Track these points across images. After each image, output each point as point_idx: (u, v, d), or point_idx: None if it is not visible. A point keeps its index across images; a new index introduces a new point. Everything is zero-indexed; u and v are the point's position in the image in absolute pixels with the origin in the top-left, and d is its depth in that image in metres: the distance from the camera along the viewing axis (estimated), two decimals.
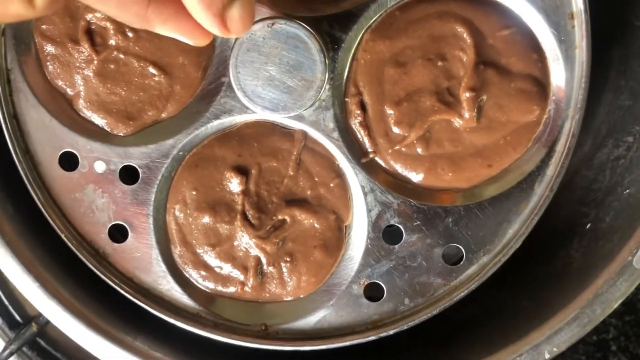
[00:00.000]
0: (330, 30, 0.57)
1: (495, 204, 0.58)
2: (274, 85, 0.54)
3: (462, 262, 0.58)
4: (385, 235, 0.59)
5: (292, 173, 0.60)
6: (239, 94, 0.54)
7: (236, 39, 0.54)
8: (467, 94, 0.56)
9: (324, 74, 0.54)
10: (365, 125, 0.58)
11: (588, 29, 0.55)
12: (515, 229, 0.58)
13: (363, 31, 0.58)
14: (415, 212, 0.58)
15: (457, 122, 0.57)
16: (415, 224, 0.58)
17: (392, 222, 0.59)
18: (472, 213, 0.58)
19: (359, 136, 0.59)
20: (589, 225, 0.62)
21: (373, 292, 0.59)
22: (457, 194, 0.59)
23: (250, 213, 0.60)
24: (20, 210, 0.61)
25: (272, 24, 0.53)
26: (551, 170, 0.57)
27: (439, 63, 0.57)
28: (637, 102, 0.63)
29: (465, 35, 0.56)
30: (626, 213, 0.59)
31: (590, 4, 0.55)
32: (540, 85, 0.57)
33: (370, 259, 0.59)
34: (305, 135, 0.59)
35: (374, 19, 0.57)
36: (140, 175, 0.60)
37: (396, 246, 0.59)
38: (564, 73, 0.56)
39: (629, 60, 0.64)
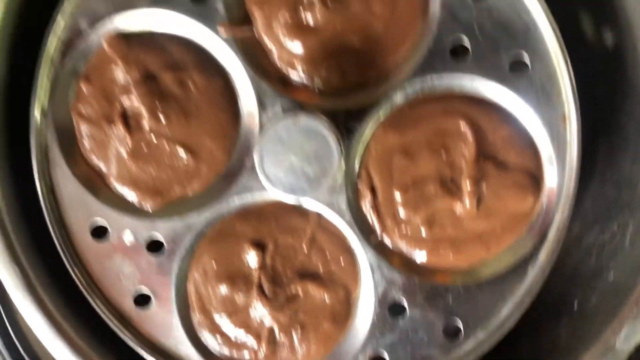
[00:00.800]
0: (346, 123, 0.62)
1: (492, 285, 0.63)
2: (295, 171, 0.59)
3: (460, 338, 0.63)
4: (391, 309, 0.63)
5: (306, 249, 0.65)
6: (262, 178, 0.59)
7: (262, 129, 0.59)
8: (469, 184, 0.62)
9: (340, 163, 0.59)
10: (375, 207, 0.64)
11: (579, 130, 0.61)
12: (510, 308, 0.63)
13: (375, 124, 0.63)
14: (418, 289, 0.63)
15: (459, 208, 0.63)
16: (418, 300, 0.63)
17: (397, 298, 0.63)
18: (470, 292, 0.63)
19: (369, 217, 0.64)
20: (576, 305, 0.68)
21: None
22: (457, 274, 0.64)
23: (265, 285, 0.64)
24: (52, 275, 0.65)
25: (296, 118, 0.58)
26: (543, 255, 0.63)
27: (443, 155, 0.63)
28: (621, 194, 0.69)
29: (467, 131, 0.62)
30: (611, 297, 0.64)
31: (580, 105, 0.61)
32: (534, 178, 0.63)
33: (376, 331, 0.64)
34: (319, 215, 0.64)
35: (385, 113, 0.63)
36: (165, 246, 0.64)
37: (400, 320, 0.63)
38: (556, 169, 0.62)
39: (614, 154, 0.70)
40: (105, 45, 0.62)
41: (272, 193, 0.60)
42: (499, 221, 0.63)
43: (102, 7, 0.62)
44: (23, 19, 0.63)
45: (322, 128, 0.58)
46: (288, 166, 0.59)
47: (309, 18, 0.61)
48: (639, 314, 0.60)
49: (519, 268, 0.63)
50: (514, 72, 0.61)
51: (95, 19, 0.62)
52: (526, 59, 0.61)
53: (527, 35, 0.61)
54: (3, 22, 0.62)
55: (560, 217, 0.62)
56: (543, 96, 0.61)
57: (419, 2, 0.61)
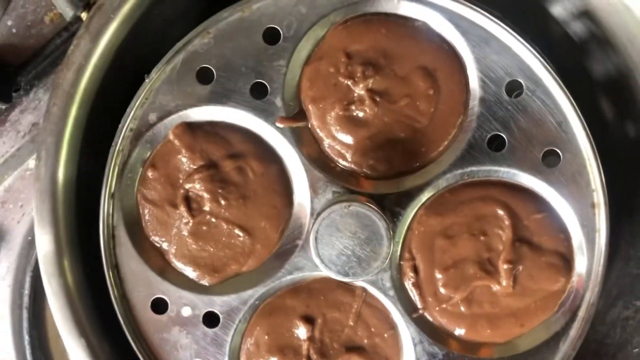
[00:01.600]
0: (392, 207, 0.68)
1: (526, 358, 0.68)
2: (347, 255, 0.64)
3: None
4: None
5: (352, 323, 0.69)
6: (316, 260, 0.64)
7: (318, 215, 0.64)
8: (505, 266, 0.67)
9: (389, 248, 0.64)
10: (417, 285, 0.69)
11: (607, 217, 0.66)
12: None
13: (418, 208, 0.68)
14: None
15: (496, 287, 0.68)
16: None
17: None
18: None
19: (412, 295, 0.69)
20: None
21: None
22: (493, 348, 0.69)
23: (314, 357, 0.69)
24: (115, 347, 0.70)
25: (349, 206, 0.63)
26: (574, 332, 0.68)
27: (482, 238, 0.68)
28: None
29: (504, 217, 0.67)
30: None
31: (608, 193, 0.67)
32: (566, 260, 0.68)
33: None
34: (365, 291, 0.69)
35: (428, 198, 0.68)
36: (221, 320, 0.69)
37: None
38: (586, 251, 0.67)
39: (636, 235, 0.75)
40: (171, 136, 0.68)
41: (325, 273, 0.65)
42: (533, 299, 0.68)
43: (170, 103, 0.67)
44: (97, 110, 0.68)
45: (374, 216, 0.63)
46: (341, 250, 0.64)
47: (359, 113, 0.67)
48: None
49: (552, 343, 0.68)
50: (546, 164, 0.66)
51: (164, 114, 0.67)
52: (558, 152, 0.66)
53: (558, 131, 0.66)
54: (79, 112, 0.67)
55: (589, 296, 0.67)
56: (574, 186, 0.66)
57: (459, 99, 0.67)
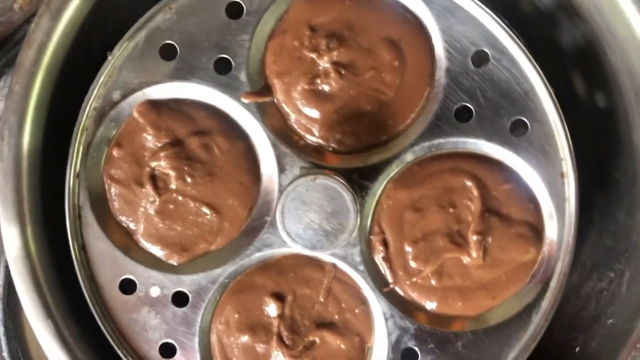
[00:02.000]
0: (360, 181, 0.67)
1: (499, 331, 0.67)
2: (314, 228, 0.64)
3: None
4: (404, 356, 0.67)
5: (322, 300, 0.69)
6: (283, 235, 0.64)
7: (284, 189, 0.64)
8: (475, 237, 0.67)
9: (356, 220, 0.64)
10: (387, 259, 0.68)
11: (576, 185, 0.66)
12: (516, 353, 0.67)
13: (386, 181, 0.68)
14: (429, 336, 0.67)
15: (466, 259, 0.67)
16: (429, 346, 0.67)
17: (409, 345, 0.67)
18: (479, 338, 0.67)
19: (382, 269, 0.68)
20: (577, 349, 0.72)
21: None
22: (465, 321, 0.68)
23: (285, 334, 0.68)
24: (83, 329, 0.69)
25: (315, 179, 0.63)
26: (546, 303, 0.67)
27: (451, 210, 0.67)
28: (617, 243, 0.73)
29: (473, 188, 0.67)
30: (610, 340, 0.68)
31: (577, 162, 0.66)
32: (536, 230, 0.67)
33: None
34: (335, 267, 0.68)
35: (396, 171, 0.68)
36: (190, 299, 0.68)
37: None
38: (556, 221, 0.67)
39: (610, 207, 0.74)
40: (135, 114, 0.67)
41: (292, 248, 0.65)
42: (504, 271, 0.67)
43: (134, 80, 0.66)
44: (61, 88, 0.68)
45: (340, 188, 0.63)
46: (307, 223, 0.63)
47: (324, 86, 0.66)
48: (637, 356, 0.64)
49: (524, 315, 0.67)
50: (514, 134, 0.66)
51: (128, 91, 0.67)
52: (526, 121, 0.66)
53: (525, 100, 0.66)
54: (42, 91, 0.67)
55: (561, 267, 0.67)
56: (542, 155, 0.66)
57: (425, 70, 0.67)
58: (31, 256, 0.67)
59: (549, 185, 0.66)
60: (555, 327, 0.72)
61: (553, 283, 0.67)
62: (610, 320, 0.69)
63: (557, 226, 0.67)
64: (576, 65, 0.76)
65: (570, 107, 0.67)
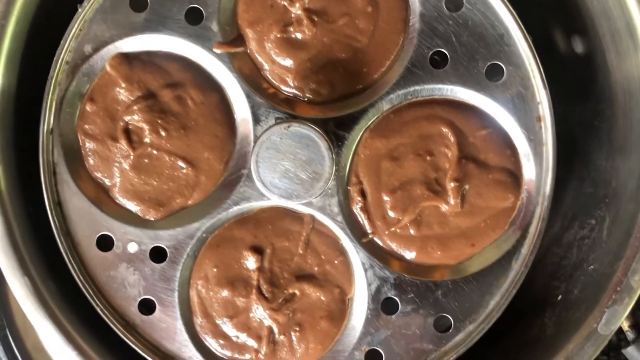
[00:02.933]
0: (336, 130, 0.66)
1: (479, 279, 0.67)
2: (289, 177, 0.63)
3: (451, 330, 0.67)
4: (384, 306, 0.67)
5: (301, 252, 0.68)
6: (258, 184, 0.63)
7: (257, 138, 0.63)
8: (452, 184, 0.66)
9: (331, 168, 0.63)
10: (365, 210, 0.68)
11: (553, 129, 0.65)
12: (497, 300, 0.67)
13: (363, 131, 0.67)
14: (409, 286, 0.67)
15: (444, 207, 0.67)
16: (409, 296, 0.67)
17: (389, 295, 0.67)
18: (458, 286, 0.67)
19: (360, 219, 0.68)
20: (560, 297, 0.71)
21: (373, 358, 0.67)
22: (445, 270, 0.68)
23: (264, 287, 0.68)
24: (61, 286, 0.69)
25: (288, 127, 0.62)
26: (525, 249, 0.67)
27: (428, 158, 0.67)
28: (597, 190, 0.73)
29: (449, 134, 0.66)
30: (591, 286, 0.68)
31: (554, 108, 0.65)
32: (514, 176, 0.67)
33: (370, 327, 0.67)
34: (313, 218, 0.68)
35: (372, 120, 0.67)
36: (168, 254, 0.68)
37: (393, 316, 0.67)
38: (534, 167, 0.66)
39: (590, 154, 0.74)
40: (108, 68, 0.66)
41: (268, 198, 0.64)
42: (483, 218, 0.67)
43: (105, 33, 0.66)
44: (31, 43, 0.67)
45: (314, 135, 0.62)
46: (283, 172, 0.63)
47: (297, 35, 0.66)
48: (618, 299, 0.64)
49: (504, 262, 0.67)
50: (490, 79, 0.65)
51: (99, 45, 0.66)
52: (501, 66, 0.65)
53: (501, 44, 0.65)
54: (12, 45, 0.66)
55: (540, 212, 0.66)
56: (518, 99, 0.65)
57: (399, 15, 0.66)
58: (7, 214, 0.67)
59: (526, 130, 0.66)
60: (538, 277, 0.72)
61: (532, 229, 0.67)
62: (592, 267, 0.69)
63: (535, 171, 0.66)
64: (553, 11, 0.75)
65: (548, 53, 0.67)
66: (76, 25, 0.66)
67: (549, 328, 0.70)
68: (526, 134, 0.66)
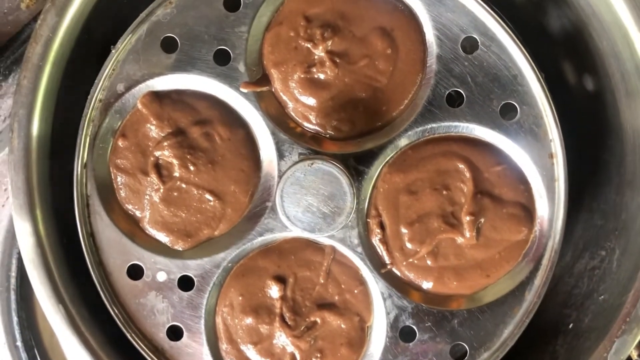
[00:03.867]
0: (356, 165, 0.69)
1: (493, 308, 0.69)
2: (312, 211, 0.66)
3: (466, 358, 0.69)
4: (402, 334, 0.70)
5: (322, 281, 0.71)
6: (283, 218, 0.66)
7: (282, 174, 0.66)
8: (468, 218, 0.69)
9: (353, 203, 0.66)
10: (384, 241, 0.70)
11: (565, 165, 0.68)
12: (510, 329, 0.70)
13: (382, 166, 0.70)
14: (426, 315, 0.70)
15: (460, 240, 0.69)
16: (426, 324, 0.70)
17: (407, 323, 0.70)
18: (474, 316, 0.69)
19: (379, 251, 0.71)
20: (571, 325, 0.74)
21: None
22: (461, 300, 0.70)
23: (287, 315, 0.71)
24: (93, 313, 0.72)
25: (312, 164, 0.65)
26: (538, 280, 0.69)
27: (444, 192, 0.70)
28: (608, 223, 0.75)
29: (465, 170, 0.69)
30: (602, 316, 0.70)
31: (565, 145, 0.68)
32: (527, 210, 0.70)
33: (388, 355, 0.70)
34: (334, 249, 0.71)
35: (391, 156, 0.70)
36: (195, 283, 0.71)
37: (410, 344, 0.70)
38: (547, 201, 0.69)
39: (599, 187, 0.77)
40: (139, 105, 0.70)
41: (291, 230, 0.67)
42: (497, 250, 0.70)
43: (137, 73, 0.69)
44: (67, 81, 0.71)
45: (336, 172, 0.65)
46: (306, 207, 0.66)
47: (320, 75, 0.69)
48: (627, 330, 0.66)
49: (517, 292, 0.69)
50: (504, 117, 0.68)
51: (131, 83, 0.69)
52: (515, 105, 0.68)
53: (514, 84, 0.68)
54: (48, 85, 0.69)
55: (552, 245, 0.69)
56: (532, 137, 0.68)
57: (417, 57, 0.69)
58: (42, 245, 0.70)
59: (539, 166, 0.68)
60: (550, 305, 0.74)
61: (545, 261, 0.69)
62: (602, 297, 0.72)
63: (548, 205, 0.69)
64: (565, 50, 0.78)
65: (559, 90, 0.70)
66: (110, 65, 0.69)
67: (561, 355, 0.72)
68: (539, 170, 0.68)
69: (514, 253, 0.70)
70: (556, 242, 0.69)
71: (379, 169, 0.70)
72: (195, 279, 0.71)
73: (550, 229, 0.69)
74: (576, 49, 0.75)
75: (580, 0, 0.70)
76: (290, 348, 0.70)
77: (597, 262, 0.75)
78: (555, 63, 0.79)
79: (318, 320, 0.71)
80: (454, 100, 0.69)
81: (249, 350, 0.71)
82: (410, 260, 0.70)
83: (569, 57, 0.78)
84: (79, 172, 0.70)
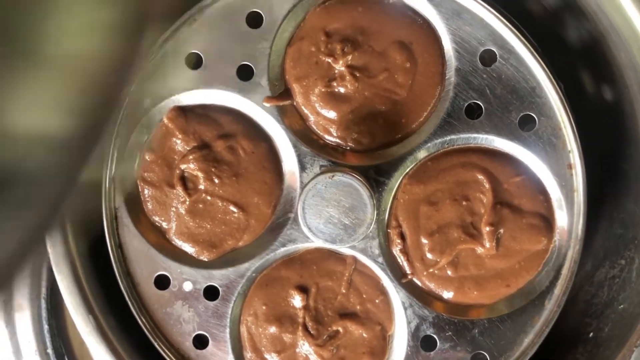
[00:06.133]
0: (376, 177, 0.71)
1: (513, 318, 0.70)
2: (333, 223, 0.68)
3: None
4: (423, 343, 0.71)
5: (344, 291, 0.73)
6: (305, 230, 0.68)
7: (304, 186, 0.68)
8: (488, 228, 0.70)
9: (373, 214, 0.67)
10: (405, 252, 0.72)
11: (584, 176, 0.69)
12: (531, 339, 0.70)
13: (402, 177, 0.71)
14: (447, 324, 0.71)
15: (480, 250, 0.70)
16: (447, 334, 0.71)
17: (428, 333, 0.71)
18: (494, 325, 0.70)
19: (400, 261, 0.72)
20: (591, 334, 0.74)
21: None
22: (481, 309, 0.71)
23: (309, 324, 0.72)
24: (121, 322, 0.74)
25: (333, 176, 0.67)
26: (558, 289, 0.70)
27: (464, 203, 0.71)
28: (627, 231, 0.76)
29: (484, 181, 0.70)
30: (621, 324, 0.71)
31: (584, 154, 0.69)
32: (547, 221, 0.70)
33: None
34: (355, 259, 0.72)
35: (410, 167, 0.71)
36: (221, 293, 0.72)
37: (431, 353, 0.71)
38: (566, 211, 0.70)
39: (619, 196, 0.77)
40: (165, 120, 0.72)
41: (314, 242, 0.68)
42: (517, 260, 0.70)
43: (163, 89, 0.71)
44: None
45: (356, 184, 0.67)
46: (327, 218, 0.67)
47: (340, 89, 0.70)
48: None
49: (537, 301, 0.70)
50: (523, 129, 0.69)
51: (157, 99, 0.71)
52: (533, 116, 0.69)
53: (533, 95, 0.69)
54: None
55: (571, 255, 0.70)
56: (550, 148, 0.69)
57: (436, 70, 0.70)
58: (72, 256, 0.72)
59: (558, 177, 0.69)
60: (570, 314, 0.75)
61: (564, 270, 0.70)
62: (622, 306, 0.72)
63: (567, 216, 0.70)
64: (583, 62, 0.79)
65: (578, 101, 0.70)
66: (136, 82, 0.71)
67: None
68: (558, 180, 0.69)
69: (533, 263, 0.71)
70: (576, 251, 0.69)
71: (399, 180, 0.71)
72: (220, 289, 0.72)
73: (570, 239, 0.70)
74: (594, 60, 0.75)
75: (598, 13, 0.70)
76: (313, 357, 0.72)
77: (617, 271, 0.75)
78: (574, 74, 0.79)
79: (340, 329, 0.72)
80: (473, 112, 0.70)
81: (273, 359, 0.73)
82: (431, 270, 0.71)
83: (587, 68, 0.79)
84: (107, 186, 0.72)
